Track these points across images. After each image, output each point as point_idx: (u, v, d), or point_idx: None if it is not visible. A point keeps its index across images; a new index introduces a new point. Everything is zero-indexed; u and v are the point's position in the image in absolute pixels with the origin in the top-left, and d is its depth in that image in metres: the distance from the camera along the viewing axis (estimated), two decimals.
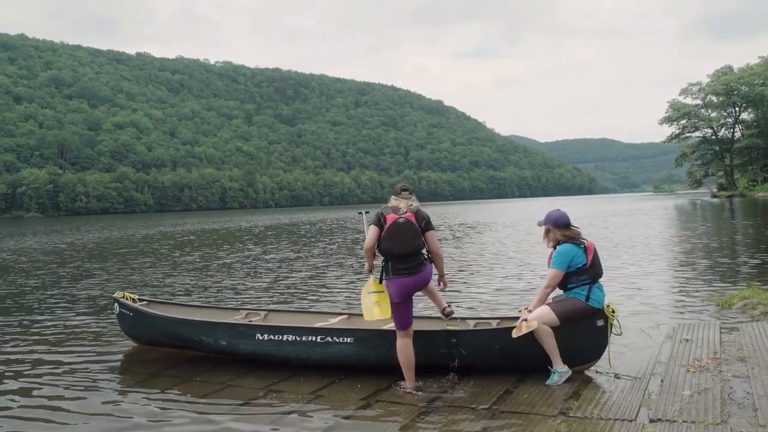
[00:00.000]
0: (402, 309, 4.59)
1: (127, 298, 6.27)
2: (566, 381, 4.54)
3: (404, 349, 4.61)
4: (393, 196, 4.80)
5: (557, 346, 4.56)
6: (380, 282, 4.68)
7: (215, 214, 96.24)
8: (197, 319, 5.89)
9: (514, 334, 4.51)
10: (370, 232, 4.63)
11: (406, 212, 4.59)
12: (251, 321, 5.96)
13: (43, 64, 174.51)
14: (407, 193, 4.77)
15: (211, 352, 5.61)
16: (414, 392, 4.51)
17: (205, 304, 7.69)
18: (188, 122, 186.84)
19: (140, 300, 6.41)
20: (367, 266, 4.80)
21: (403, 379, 4.63)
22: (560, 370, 4.55)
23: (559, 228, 4.80)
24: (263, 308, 6.58)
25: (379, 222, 4.58)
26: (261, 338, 5.26)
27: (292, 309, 7.45)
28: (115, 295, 6.44)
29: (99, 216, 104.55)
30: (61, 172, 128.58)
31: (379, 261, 4.75)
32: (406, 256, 4.54)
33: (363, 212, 6.12)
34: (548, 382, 4.54)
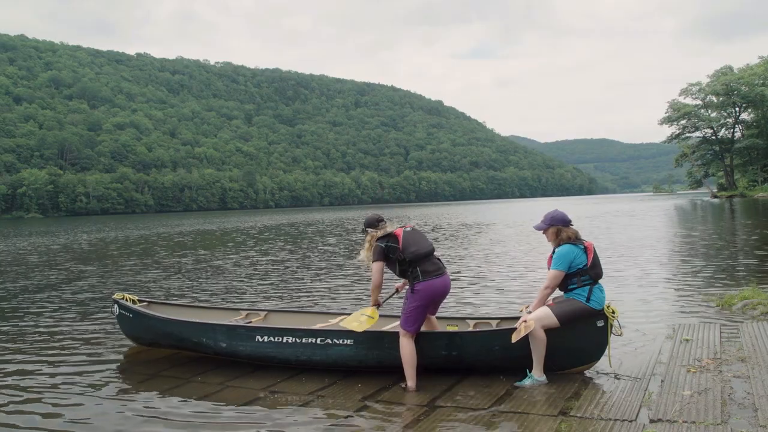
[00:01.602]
0: (420, 314, 4.64)
1: (126, 300, 6.27)
2: (567, 381, 4.54)
3: (407, 348, 4.63)
4: (371, 230, 4.87)
5: (547, 353, 4.53)
6: (412, 291, 4.69)
7: (215, 214, 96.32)
8: (197, 320, 5.88)
9: (514, 338, 4.51)
10: (377, 269, 4.72)
11: (405, 224, 4.87)
12: (251, 321, 5.96)
13: (43, 65, 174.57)
14: (384, 222, 4.93)
15: (211, 353, 5.61)
16: (415, 392, 4.51)
17: (205, 305, 7.68)
18: (188, 123, 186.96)
19: (140, 301, 6.41)
20: (372, 301, 4.94)
21: (404, 380, 4.63)
22: (537, 378, 4.53)
23: (567, 226, 4.80)
24: (263, 308, 6.58)
25: (384, 255, 4.69)
26: (261, 340, 5.26)
27: (292, 309, 7.45)
28: (114, 296, 6.43)
29: (99, 216, 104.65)
30: (61, 172, 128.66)
31: (382, 290, 4.91)
32: (431, 254, 4.75)
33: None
34: (518, 383, 4.54)
